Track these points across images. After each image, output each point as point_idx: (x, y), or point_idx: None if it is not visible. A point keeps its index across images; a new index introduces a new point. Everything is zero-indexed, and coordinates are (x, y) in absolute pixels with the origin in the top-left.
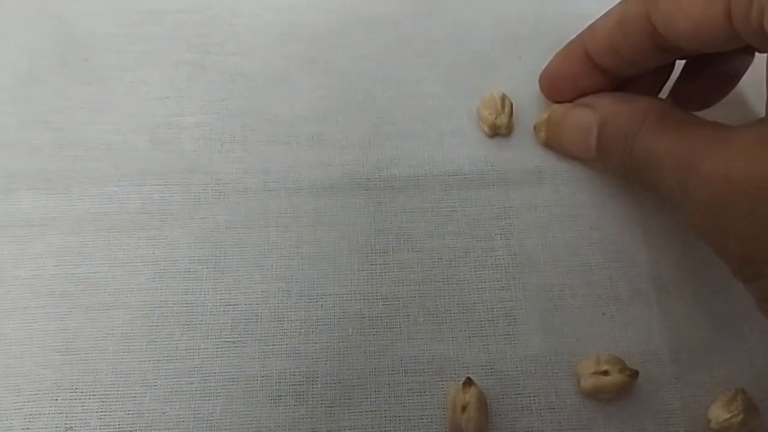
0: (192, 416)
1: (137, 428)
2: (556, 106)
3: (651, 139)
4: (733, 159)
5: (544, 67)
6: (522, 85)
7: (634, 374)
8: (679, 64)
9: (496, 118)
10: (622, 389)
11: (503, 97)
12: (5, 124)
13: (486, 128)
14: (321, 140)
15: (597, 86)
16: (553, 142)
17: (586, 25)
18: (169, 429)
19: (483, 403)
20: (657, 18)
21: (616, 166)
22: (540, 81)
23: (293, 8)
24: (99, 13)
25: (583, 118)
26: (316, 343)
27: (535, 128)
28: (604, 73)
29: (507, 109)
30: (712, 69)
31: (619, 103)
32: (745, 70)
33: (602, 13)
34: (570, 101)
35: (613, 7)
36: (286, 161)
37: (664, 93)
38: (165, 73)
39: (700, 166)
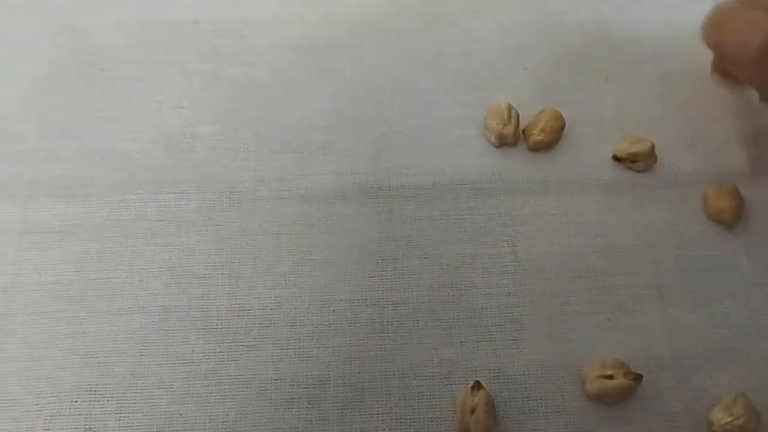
0: (207, 418)
1: (154, 429)
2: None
3: None
4: None
5: (552, 79)
6: (528, 95)
7: (638, 378)
8: None
9: (502, 128)
10: (626, 393)
11: (509, 108)
12: (25, 133)
13: (493, 138)
14: (332, 149)
15: None
16: (711, 39)
17: (589, 35)
18: (184, 430)
19: (491, 406)
20: None
21: None
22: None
23: (304, 20)
24: (115, 25)
25: (751, 17)
26: (328, 347)
27: (524, 132)
28: None
29: (513, 119)
30: None
31: None
32: None
33: (602, 24)
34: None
35: None
36: (298, 170)
37: None
38: (179, 83)
39: None
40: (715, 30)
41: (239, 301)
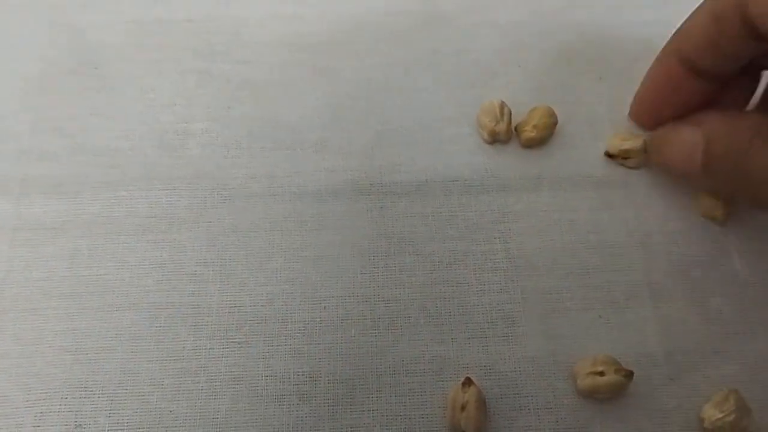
0: (198, 414)
1: (145, 426)
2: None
3: (765, 156)
4: None
5: (546, 78)
6: (521, 93)
7: (629, 375)
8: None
9: (495, 125)
10: (617, 389)
11: (502, 105)
12: (18, 131)
13: (485, 135)
14: (325, 146)
15: (696, 96)
16: (655, 157)
17: (585, 33)
18: (175, 427)
19: (482, 403)
20: (753, 11)
21: (722, 181)
22: (633, 113)
23: (298, 18)
24: (109, 23)
25: (689, 135)
26: (319, 343)
27: (516, 129)
28: (700, 78)
29: (506, 117)
30: None
31: (727, 119)
32: None
33: (595, 23)
34: (667, 123)
35: (700, 7)
36: (290, 167)
37: None
38: (173, 80)
39: None
40: (658, 153)
41: (230, 298)
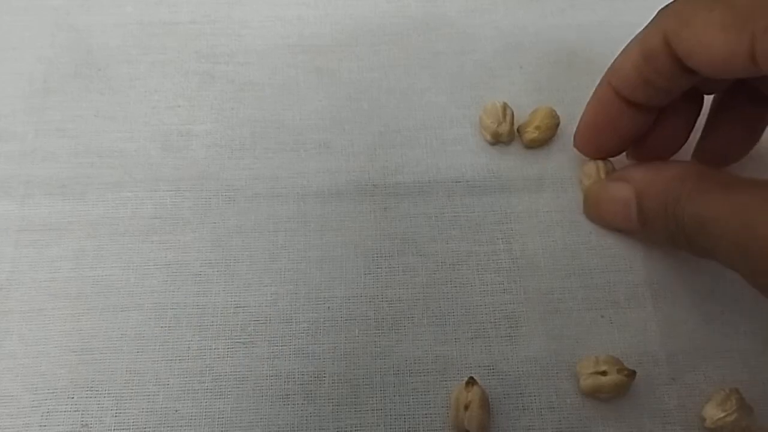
0: (203, 414)
1: (151, 425)
2: (589, 184)
3: (696, 204)
4: None
5: (547, 78)
6: (522, 94)
7: (632, 374)
8: (700, 121)
9: (497, 126)
10: (620, 389)
11: (504, 106)
12: (22, 133)
13: (488, 136)
14: (328, 148)
15: (634, 126)
16: (592, 217)
17: (586, 34)
18: (181, 426)
19: (485, 402)
20: (679, 50)
21: (661, 234)
22: (576, 141)
23: (301, 20)
24: (112, 25)
25: (619, 191)
26: (323, 343)
27: (518, 130)
28: (637, 109)
29: (508, 118)
30: (735, 122)
31: (654, 172)
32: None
33: (596, 24)
34: (610, 154)
35: (631, 43)
36: (294, 168)
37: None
38: (176, 82)
39: (759, 230)
40: (593, 212)
41: (235, 298)
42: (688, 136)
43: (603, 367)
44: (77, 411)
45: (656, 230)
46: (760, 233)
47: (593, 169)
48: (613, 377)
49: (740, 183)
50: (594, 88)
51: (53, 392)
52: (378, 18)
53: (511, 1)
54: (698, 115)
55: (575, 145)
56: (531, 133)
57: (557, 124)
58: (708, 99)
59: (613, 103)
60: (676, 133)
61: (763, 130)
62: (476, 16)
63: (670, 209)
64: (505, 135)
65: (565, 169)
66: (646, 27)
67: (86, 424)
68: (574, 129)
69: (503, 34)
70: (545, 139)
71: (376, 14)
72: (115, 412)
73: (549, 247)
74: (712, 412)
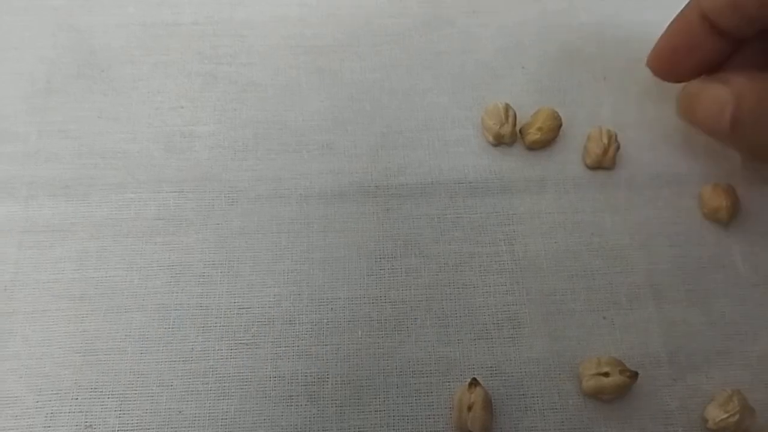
0: (207, 415)
1: (154, 426)
2: (687, 84)
3: None
4: None
5: (549, 79)
6: (525, 95)
7: (634, 375)
8: None
9: (500, 127)
10: (622, 390)
11: (507, 107)
12: (25, 134)
13: (490, 137)
14: (330, 149)
15: (714, 53)
16: (685, 116)
17: (588, 34)
18: (184, 428)
19: (488, 403)
20: None
21: (750, 141)
22: (650, 60)
23: (303, 21)
24: (115, 26)
25: (718, 93)
26: (326, 345)
27: (520, 132)
28: (721, 36)
29: (510, 119)
30: None
31: (755, 80)
32: None
33: (598, 24)
34: (682, 78)
35: None
36: (296, 169)
37: None
38: (179, 83)
39: None
40: (687, 109)
41: (238, 300)
42: None
43: (605, 369)
44: (81, 412)
45: (746, 136)
46: None
47: (597, 133)
48: (615, 378)
49: None
50: (597, 89)
51: (57, 393)
52: (380, 18)
53: (513, 1)
54: None
55: (648, 64)
56: (533, 135)
57: (559, 126)
58: None
59: (697, 25)
60: (753, 71)
61: None
62: (478, 16)
63: (765, 119)
64: (508, 136)
65: (567, 171)
66: None
67: (90, 425)
68: (576, 131)
69: (505, 34)
70: (548, 140)
71: (378, 15)
72: (118, 413)
73: (551, 248)
74: (714, 413)
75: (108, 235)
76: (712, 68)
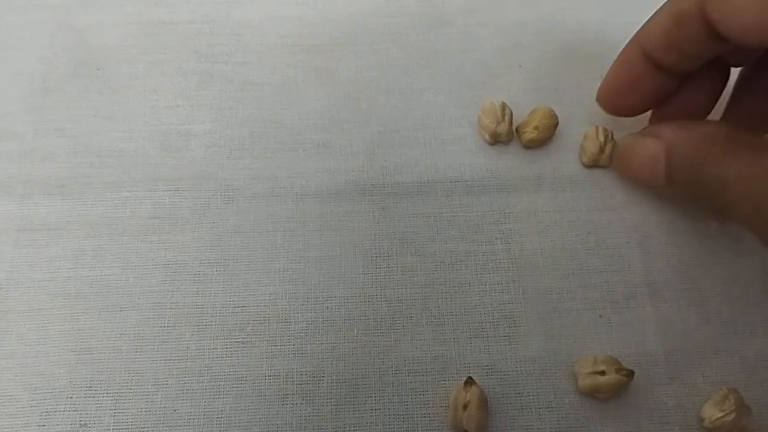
0: (202, 414)
1: (149, 425)
2: (622, 137)
3: (721, 164)
4: None
5: (546, 78)
6: (522, 93)
7: (630, 374)
8: (730, 84)
9: (496, 126)
10: (618, 389)
11: (503, 106)
12: (21, 133)
13: (487, 136)
14: (327, 147)
15: (658, 88)
16: (621, 171)
17: (586, 34)
18: (180, 426)
19: (484, 402)
20: (712, 15)
21: (685, 190)
22: (599, 97)
23: (300, 19)
24: (111, 25)
25: (650, 147)
26: (322, 343)
27: (517, 130)
28: (663, 72)
29: (507, 118)
30: (762, 96)
31: (685, 130)
32: None
33: (595, 23)
34: (631, 113)
35: (664, 6)
36: (292, 168)
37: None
38: (175, 82)
39: None
40: (622, 165)
41: (234, 298)
42: (712, 107)
43: (601, 367)
44: (76, 411)
45: (681, 186)
46: None
47: (594, 132)
48: (611, 377)
49: (764, 144)
50: (593, 88)
51: (52, 392)
52: (377, 17)
53: (511, 0)
54: (723, 86)
55: (598, 100)
56: (530, 133)
57: (556, 124)
58: (734, 73)
59: (639, 63)
60: (700, 102)
61: None
62: (475, 15)
63: (696, 168)
64: (504, 135)
65: (563, 169)
66: None
67: (85, 424)
68: (572, 129)
69: (502, 34)
70: (544, 139)
71: (375, 13)
72: (113, 411)
73: (547, 247)
74: (711, 412)
75: (103, 234)
76: (659, 103)
